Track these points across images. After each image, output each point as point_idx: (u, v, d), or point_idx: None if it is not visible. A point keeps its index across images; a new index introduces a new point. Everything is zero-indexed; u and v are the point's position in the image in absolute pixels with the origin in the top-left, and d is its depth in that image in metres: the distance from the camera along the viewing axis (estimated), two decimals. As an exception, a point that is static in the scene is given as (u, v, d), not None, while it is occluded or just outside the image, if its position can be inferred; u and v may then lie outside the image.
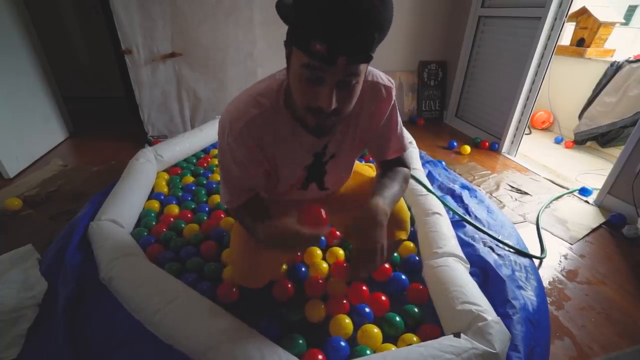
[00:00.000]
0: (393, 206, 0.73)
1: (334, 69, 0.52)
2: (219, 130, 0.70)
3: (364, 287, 1.00)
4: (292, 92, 0.61)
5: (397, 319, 0.92)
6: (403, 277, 1.06)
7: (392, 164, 0.83)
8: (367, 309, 0.95)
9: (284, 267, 1.09)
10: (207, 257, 1.14)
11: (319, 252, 1.16)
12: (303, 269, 1.10)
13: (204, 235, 1.23)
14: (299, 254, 1.14)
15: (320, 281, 1.03)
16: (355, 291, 1.00)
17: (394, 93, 0.73)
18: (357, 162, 0.94)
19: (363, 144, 0.80)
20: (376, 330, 0.89)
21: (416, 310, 0.96)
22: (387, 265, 1.09)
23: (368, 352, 0.83)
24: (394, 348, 0.84)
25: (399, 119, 0.79)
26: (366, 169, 1.02)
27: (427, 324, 0.93)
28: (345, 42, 0.49)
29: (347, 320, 0.91)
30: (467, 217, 1.39)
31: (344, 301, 0.97)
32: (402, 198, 0.88)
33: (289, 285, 1.02)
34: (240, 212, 0.77)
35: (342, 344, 0.85)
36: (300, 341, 0.86)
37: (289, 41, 0.56)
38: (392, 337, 0.90)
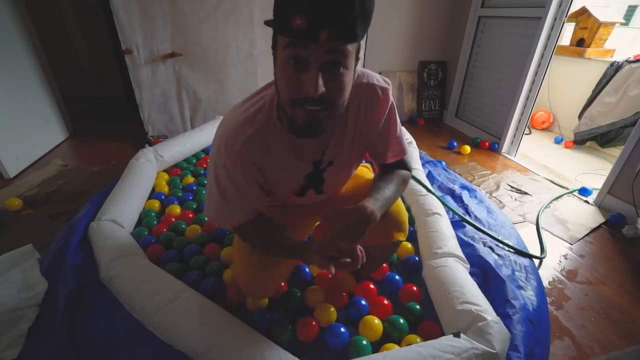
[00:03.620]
0: (384, 210, 0.72)
1: (317, 47, 0.51)
2: (214, 154, 0.68)
3: (372, 286, 1.02)
4: (279, 90, 0.59)
5: (401, 320, 0.92)
6: (397, 277, 1.07)
7: (391, 166, 0.81)
8: (362, 302, 0.96)
9: None
10: (210, 258, 1.15)
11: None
12: (307, 269, 1.10)
13: (209, 236, 1.24)
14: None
15: (330, 276, 1.04)
16: (362, 289, 1.01)
17: (390, 94, 0.71)
18: None
19: (363, 149, 0.78)
20: (377, 321, 0.90)
21: (418, 307, 0.97)
22: (384, 264, 1.09)
23: (364, 342, 0.85)
24: (396, 347, 0.85)
25: (398, 121, 0.78)
26: (364, 171, 1.01)
27: (427, 320, 0.94)
28: (325, 12, 0.48)
29: (332, 309, 0.94)
30: (467, 217, 1.39)
31: (344, 294, 1.00)
32: (400, 199, 0.87)
33: (282, 284, 1.03)
34: (246, 229, 0.76)
35: (342, 329, 0.87)
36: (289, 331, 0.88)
37: (274, 37, 0.56)
38: (395, 338, 0.90)
